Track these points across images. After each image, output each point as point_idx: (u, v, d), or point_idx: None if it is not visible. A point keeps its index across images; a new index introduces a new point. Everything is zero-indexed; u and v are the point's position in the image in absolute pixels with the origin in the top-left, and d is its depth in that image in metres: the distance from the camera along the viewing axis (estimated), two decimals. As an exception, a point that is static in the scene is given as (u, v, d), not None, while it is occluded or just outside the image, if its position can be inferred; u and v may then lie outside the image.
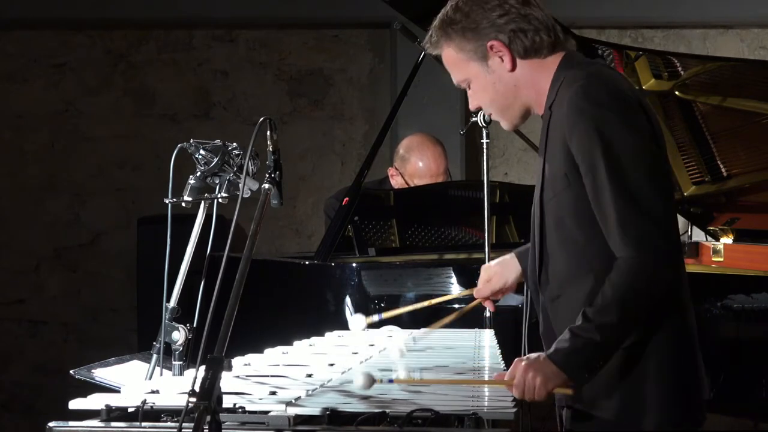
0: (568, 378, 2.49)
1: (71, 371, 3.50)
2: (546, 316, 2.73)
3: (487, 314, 3.78)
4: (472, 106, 2.79)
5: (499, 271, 3.04)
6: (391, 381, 2.46)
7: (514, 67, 2.67)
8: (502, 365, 2.85)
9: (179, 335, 3.17)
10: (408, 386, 2.50)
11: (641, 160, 2.52)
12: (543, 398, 2.50)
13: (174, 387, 2.46)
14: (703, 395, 2.69)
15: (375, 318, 3.27)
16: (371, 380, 2.37)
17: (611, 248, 2.52)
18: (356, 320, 3.28)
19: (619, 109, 2.54)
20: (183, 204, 3.25)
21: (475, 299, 3.15)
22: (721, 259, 5.03)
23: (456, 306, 3.50)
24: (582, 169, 2.55)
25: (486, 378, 2.70)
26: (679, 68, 4.63)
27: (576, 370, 2.50)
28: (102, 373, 3.46)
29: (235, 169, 3.20)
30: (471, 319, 3.34)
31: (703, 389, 2.69)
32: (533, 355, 2.54)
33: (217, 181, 3.22)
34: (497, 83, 2.69)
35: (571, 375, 2.49)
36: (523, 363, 2.51)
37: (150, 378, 3.18)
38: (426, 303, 3.35)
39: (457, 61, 2.72)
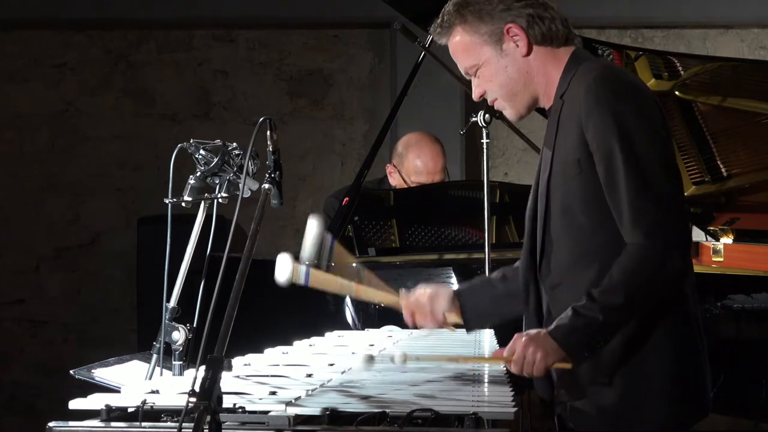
0: (567, 355, 2.50)
1: (71, 371, 3.50)
2: (547, 307, 2.72)
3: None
4: (476, 94, 2.75)
5: (432, 296, 2.87)
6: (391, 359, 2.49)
7: (529, 52, 2.67)
8: (502, 365, 2.85)
9: (179, 335, 3.17)
10: (408, 379, 2.51)
11: (656, 150, 2.55)
12: (541, 373, 2.52)
13: (174, 387, 2.46)
14: (707, 391, 2.69)
15: (302, 269, 2.93)
16: (371, 359, 2.39)
17: (622, 235, 2.53)
18: (282, 261, 2.90)
19: (636, 99, 2.57)
20: (183, 204, 3.25)
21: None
22: (721, 259, 5.03)
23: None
24: (596, 156, 2.56)
25: (485, 378, 2.70)
26: (679, 68, 4.63)
27: (576, 348, 2.51)
28: (102, 373, 3.46)
29: (235, 169, 3.20)
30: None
31: (706, 385, 2.69)
32: (533, 330, 2.55)
33: (217, 181, 3.22)
34: (509, 67, 2.68)
35: (571, 352, 2.50)
36: (523, 338, 2.52)
37: (150, 378, 3.18)
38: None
39: (468, 45, 2.70)
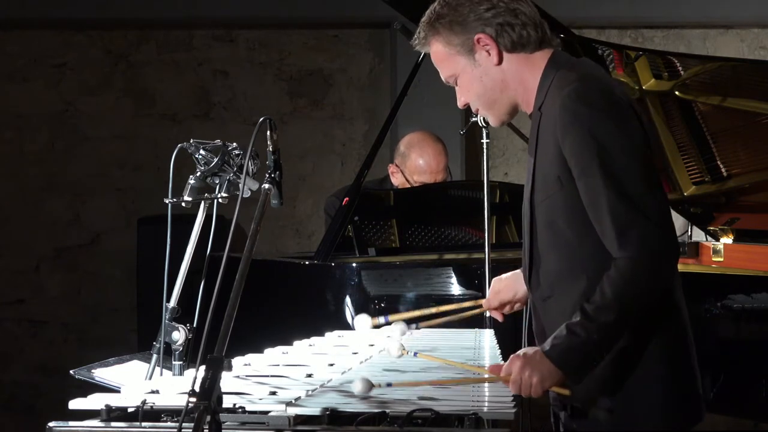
0: (564, 375, 2.50)
1: (71, 371, 3.50)
2: (537, 315, 2.75)
3: (487, 314, 3.78)
4: (460, 103, 2.78)
5: (509, 284, 3.04)
6: (389, 384, 2.46)
7: (500, 61, 2.67)
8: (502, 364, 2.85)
9: (179, 335, 3.17)
10: (408, 379, 2.51)
11: (635, 162, 2.53)
12: (539, 395, 2.52)
13: (174, 387, 2.46)
14: (701, 398, 2.70)
15: (381, 320, 3.25)
16: (369, 385, 2.37)
17: (608, 249, 2.53)
18: (361, 320, 3.27)
19: (612, 111, 2.55)
20: (183, 204, 3.25)
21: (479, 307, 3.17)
22: (721, 259, 5.02)
23: (465, 304, 3.48)
24: (575, 172, 2.56)
25: (486, 377, 2.70)
26: (679, 68, 4.63)
27: (572, 369, 2.51)
28: (102, 373, 3.46)
29: (235, 169, 3.20)
30: (471, 319, 3.33)
31: (699, 392, 2.70)
32: (530, 350, 2.54)
33: (217, 181, 3.22)
34: (484, 77, 2.69)
35: (568, 372, 2.51)
36: (519, 361, 2.51)
37: (150, 378, 3.18)
38: (434, 309, 3.35)
39: (444, 57, 2.72)
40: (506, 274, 3.07)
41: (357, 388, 2.36)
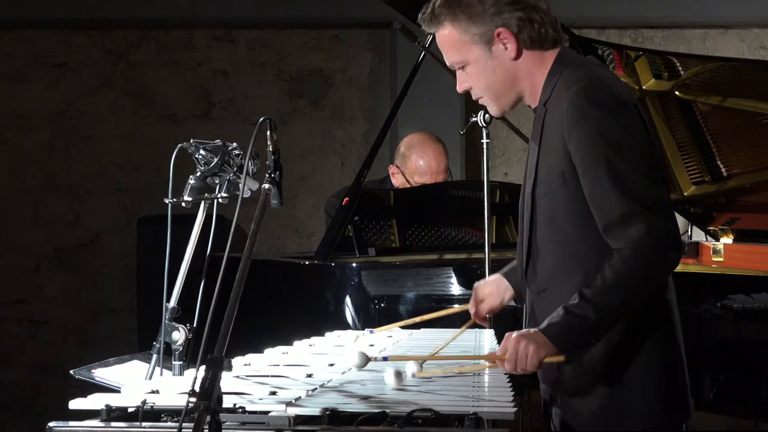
0: (558, 351, 2.54)
1: (71, 371, 3.50)
2: (532, 308, 2.77)
3: (487, 315, 3.78)
4: (460, 88, 2.77)
5: (494, 291, 3.07)
6: (385, 358, 2.49)
7: (518, 56, 2.68)
8: (498, 367, 2.85)
9: (179, 335, 3.17)
10: (404, 378, 2.52)
11: (640, 161, 2.57)
12: (535, 368, 2.55)
13: (174, 387, 2.46)
14: (689, 392, 2.73)
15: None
16: (365, 358, 2.39)
17: (609, 243, 2.56)
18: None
19: (618, 111, 2.58)
20: (183, 204, 3.25)
21: (466, 314, 3.17)
22: (721, 259, 5.03)
23: (449, 311, 3.51)
24: (580, 169, 2.58)
25: (485, 378, 2.70)
26: (679, 68, 4.63)
27: (568, 347, 2.55)
28: (102, 373, 3.46)
29: (235, 169, 3.20)
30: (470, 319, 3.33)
31: (688, 386, 2.73)
32: (524, 330, 2.59)
33: (217, 181, 3.22)
34: (497, 69, 2.69)
35: (563, 350, 2.54)
36: (514, 335, 2.56)
37: (150, 378, 3.18)
38: (418, 319, 3.39)
39: (457, 43, 2.70)
40: (487, 281, 3.11)
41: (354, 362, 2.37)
